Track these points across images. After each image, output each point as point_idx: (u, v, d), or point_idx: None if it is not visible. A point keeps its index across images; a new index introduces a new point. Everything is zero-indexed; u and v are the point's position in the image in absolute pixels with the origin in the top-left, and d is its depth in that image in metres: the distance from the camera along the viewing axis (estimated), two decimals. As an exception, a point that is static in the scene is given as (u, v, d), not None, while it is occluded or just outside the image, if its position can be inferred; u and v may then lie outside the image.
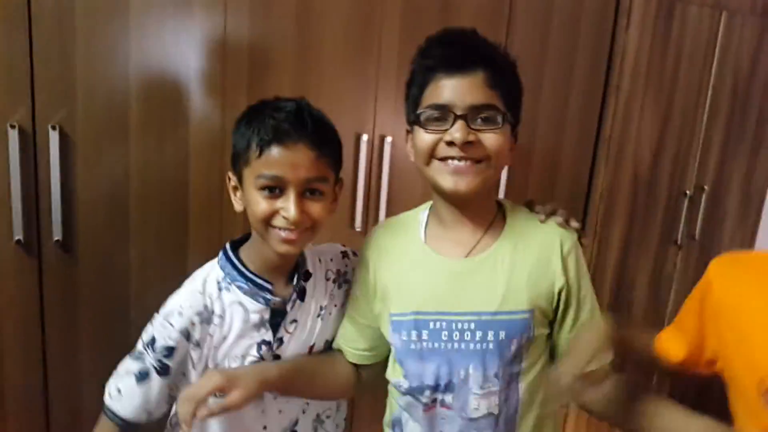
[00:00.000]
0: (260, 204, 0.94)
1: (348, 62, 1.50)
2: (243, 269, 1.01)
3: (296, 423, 1.09)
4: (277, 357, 1.03)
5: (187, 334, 0.97)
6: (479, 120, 0.92)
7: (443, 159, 0.93)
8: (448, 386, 0.99)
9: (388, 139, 1.55)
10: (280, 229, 0.95)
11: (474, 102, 0.91)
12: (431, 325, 0.98)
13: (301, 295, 1.05)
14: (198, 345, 0.99)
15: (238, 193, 1.00)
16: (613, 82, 1.82)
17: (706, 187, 2.12)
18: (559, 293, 0.99)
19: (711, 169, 2.14)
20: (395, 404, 1.08)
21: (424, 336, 0.99)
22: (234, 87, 1.41)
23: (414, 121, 0.96)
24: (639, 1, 1.80)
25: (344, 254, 1.14)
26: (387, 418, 1.12)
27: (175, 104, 1.38)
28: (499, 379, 0.97)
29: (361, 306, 1.08)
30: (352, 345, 1.10)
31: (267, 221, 0.95)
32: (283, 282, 1.04)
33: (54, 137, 1.27)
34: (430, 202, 1.05)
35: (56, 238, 1.30)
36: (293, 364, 1.05)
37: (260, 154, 0.93)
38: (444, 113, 0.92)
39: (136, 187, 1.35)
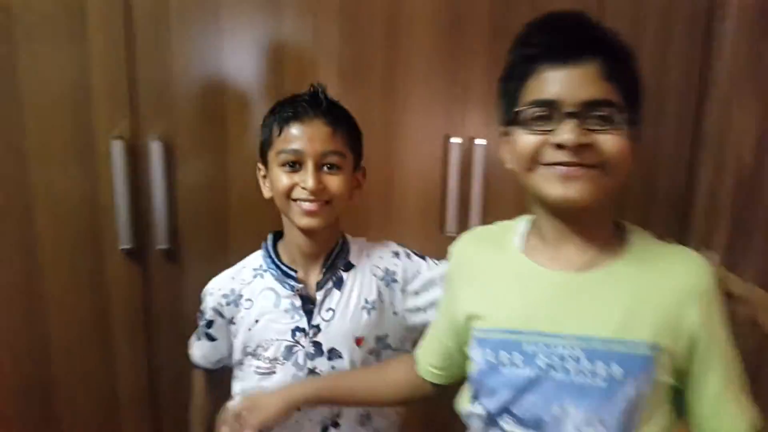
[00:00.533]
0: (282, 179, 1.02)
1: (436, 63, 1.48)
2: (275, 257, 1.10)
3: (339, 415, 1.11)
4: (317, 344, 1.07)
5: (218, 312, 1.11)
6: (594, 119, 0.78)
7: (550, 164, 0.80)
8: (538, 423, 0.83)
9: (479, 141, 1.52)
10: (300, 201, 1.01)
11: (587, 97, 0.78)
12: (525, 346, 0.84)
13: (338, 284, 1.09)
14: (232, 322, 1.11)
15: (267, 181, 1.08)
16: (711, 79, 1.72)
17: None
18: (695, 336, 0.82)
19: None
20: None
21: (516, 359, 0.84)
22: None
23: (512, 120, 0.83)
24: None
25: (396, 254, 1.15)
26: None
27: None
28: (606, 428, 0.80)
29: (440, 321, 1.00)
30: (426, 359, 1.04)
31: (288, 195, 1.02)
32: (316, 270, 1.09)
33: (156, 148, 1.32)
34: (527, 217, 0.92)
35: (160, 247, 1.33)
36: (328, 380, 1.06)
37: (280, 133, 1.02)
38: (550, 111, 0.79)
39: (236, 194, 1.38)
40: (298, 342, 1.06)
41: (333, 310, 1.08)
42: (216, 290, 1.11)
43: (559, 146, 0.78)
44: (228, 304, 1.10)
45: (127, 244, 1.30)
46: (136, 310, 1.36)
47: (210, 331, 1.13)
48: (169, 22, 1.31)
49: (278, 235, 1.13)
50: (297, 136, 1.01)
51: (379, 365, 1.11)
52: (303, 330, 1.06)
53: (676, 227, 1.79)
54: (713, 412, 0.84)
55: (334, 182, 1.02)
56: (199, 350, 1.16)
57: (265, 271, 1.10)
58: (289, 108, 1.03)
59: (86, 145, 1.28)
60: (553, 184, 0.79)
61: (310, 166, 1.01)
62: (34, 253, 1.30)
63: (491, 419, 0.88)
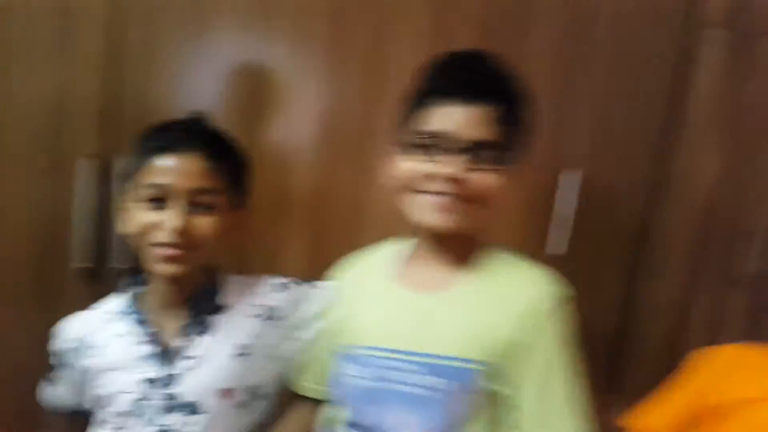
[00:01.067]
0: (141, 217, 0.89)
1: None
2: (133, 301, 1.01)
3: None
4: (170, 397, 0.95)
5: (64, 358, 1.03)
6: (477, 157, 0.85)
7: (427, 193, 0.87)
8: (377, 431, 0.91)
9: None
10: (160, 246, 0.88)
11: (473, 137, 0.85)
12: (374, 361, 0.92)
13: (203, 329, 0.97)
14: (82, 369, 1.02)
15: (126, 215, 0.96)
16: (678, 117, 1.76)
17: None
18: (520, 352, 0.89)
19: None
20: None
21: (364, 373, 0.92)
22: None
23: (400, 145, 0.90)
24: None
25: (277, 286, 1.05)
26: None
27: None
28: None
29: (321, 342, 1.04)
30: (313, 380, 1.04)
31: (147, 236, 0.89)
32: (180, 314, 0.98)
33: (91, 166, 1.32)
34: (395, 240, 1.01)
35: (117, 265, 1.34)
36: None
37: (147, 165, 0.89)
38: (435, 143, 0.86)
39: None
40: (149, 395, 0.95)
41: (195, 359, 0.97)
42: (65, 332, 1.03)
43: (435, 176, 0.85)
44: (75, 351, 1.01)
45: (87, 262, 1.31)
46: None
47: (60, 375, 1.06)
48: (152, 46, 1.30)
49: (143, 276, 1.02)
50: (166, 169, 0.88)
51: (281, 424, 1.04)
52: (153, 381, 0.95)
53: (632, 264, 1.85)
54: (526, 425, 0.90)
55: (205, 224, 0.90)
56: (49, 390, 1.08)
57: (121, 315, 1.00)
58: (161, 136, 0.90)
59: (53, 163, 1.28)
60: (427, 211, 0.87)
61: (176, 204, 0.88)
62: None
63: (350, 424, 0.95)
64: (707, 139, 1.80)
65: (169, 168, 0.87)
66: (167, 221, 0.87)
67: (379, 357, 0.92)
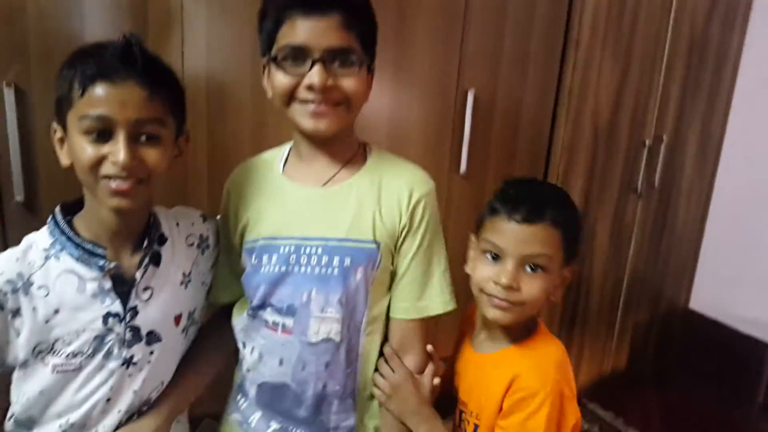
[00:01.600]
0: (86, 150, 0.84)
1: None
2: (71, 234, 0.91)
3: (149, 404, 1.02)
4: (134, 329, 0.94)
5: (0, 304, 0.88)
6: (337, 62, 0.92)
7: (302, 101, 0.93)
8: (290, 309, 0.99)
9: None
10: (109, 178, 0.85)
11: (331, 45, 0.91)
12: (281, 249, 0.99)
13: (155, 260, 0.96)
14: (18, 314, 0.89)
15: (65, 146, 0.90)
16: (573, 36, 1.84)
17: (665, 137, 2.19)
18: (401, 231, 1.00)
19: (669, 120, 2.20)
20: (238, 337, 1.07)
21: (273, 260, 0.99)
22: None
23: (271, 60, 0.94)
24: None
25: (204, 218, 1.08)
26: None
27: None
28: (342, 306, 0.98)
29: (223, 251, 1.09)
30: (227, 287, 1.09)
31: (94, 170, 0.85)
32: (127, 247, 0.95)
33: (9, 94, 1.25)
34: (289, 143, 1.07)
35: (18, 198, 1.29)
36: (182, 387, 1.02)
37: (83, 93, 0.83)
38: (301, 55, 0.91)
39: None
40: (111, 329, 0.92)
41: (151, 289, 0.96)
42: None
43: (309, 87, 0.91)
44: (14, 291, 0.89)
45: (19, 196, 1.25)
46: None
47: None
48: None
49: (70, 207, 0.95)
50: (105, 99, 0.83)
51: (199, 342, 1.07)
52: (117, 315, 0.93)
53: (539, 171, 1.95)
54: (398, 292, 1.03)
55: (152, 156, 0.87)
56: None
57: (60, 250, 0.91)
58: (92, 63, 0.84)
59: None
60: (305, 119, 0.94)
61: (121, 137, 0.84)
62: None
63: (256, 314, 1.02)
64: (596, 55, 1.90)
65: (108, 98, 0.83)
66: (114, 155, 0.83)
67: (282, 245, 1.00)
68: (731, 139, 2.42)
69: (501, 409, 0.97)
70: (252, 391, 1.06)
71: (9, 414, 0.96)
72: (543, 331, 1.04)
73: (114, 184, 0.85)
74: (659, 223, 2.34)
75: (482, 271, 0.97)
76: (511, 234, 0.94)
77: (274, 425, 1.04)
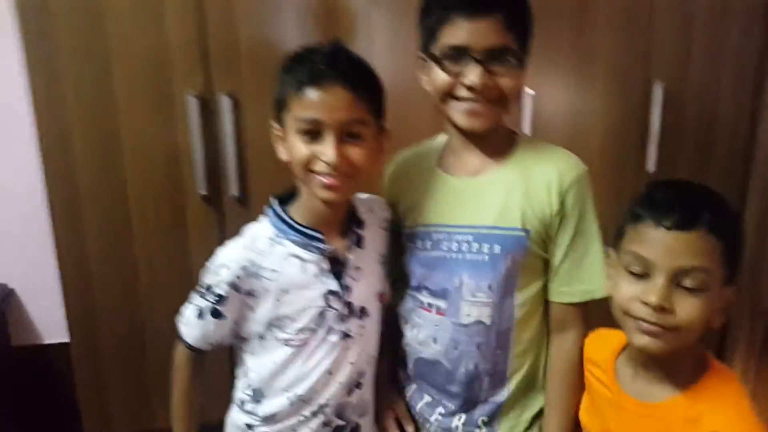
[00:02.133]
0: (300, 149, 0.95)
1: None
2: (292, 222, 1.02)
3: (363, 375, 1.10)
4: (348, 304, 1.04)
5: (235, 287, 1.00)
6: (496, 62, 0.96)
7: (460, 99, 0.98)
8: (444, 292, 1.05)
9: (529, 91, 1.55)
10: (320, 174, 0.95)
11: (491, 46, 0.95)
12: (434, 236, 1.06)
13: (359, 242, 1.06)
14: (251, 294, 1.01)
15: (283, 143, 1.00)
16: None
17: None
18: (553, 218, 1.02)
19: None
20: (398, 314, 1.14)
21: (428, 246, 1.06)
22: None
23: (430, 57, 0.99)
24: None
25: (388, 204, 1.15)
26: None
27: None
28: (492, 291, 1.02)
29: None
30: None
31: (307, 166, 0.95)
32: (336, 232, 1.04)
33: (227, 103, 1.42)
34: (442, 135, 1.12)
35: (233, 194, 1.45)
36: None
37: (298, 97, 0.93)
38: (462, 55, 0.95)
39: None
40: (330, 306, 1.02)
41: (360, 269, 1.06)
42: (232, 262, 1.00)
43: (468, 87, 0.96)
44: (249, 276, 1.00)
45: (203, 190, 1.43)
46: (213, 250, 1.48)
47: (221, 308, 1.01)
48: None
49: (284, 198, 1.06)
50: (315, 103, 0.93)
51: None
52: (335, 293, 1.03)
53: (737, 177, 1.76)
54: (557, 277, 1.05)
55: (357, 154, 0.96)
56: (199, 330, 1.03)
57: (283, 237, 1.02)
58: (304, 69, 0.94)
59: (165, 101, 1.40)
60: (461, 116, 1.00)
61: (330, 137, 0.93)
62: (122, 197, 1.44)
63: (413, 294, 1.10)
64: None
65: (318, 102, 0.93)
66: (324, 154, 0.93)
67: (435, 232, 1.06)
68: None
69: None
70: (410, 365, 1.13)
71: (244, 384, 1.08)
72: (718, 368, 0.87)
73: (325, 179, 0.95)
74: None
75: (626, 290, 0.83)
76: (660, 244, 0.79)
77: (428, 398, 1.12)
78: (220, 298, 1.01)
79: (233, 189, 1.45)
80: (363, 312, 1.06)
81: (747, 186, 1.77)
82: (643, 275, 0.82)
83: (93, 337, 1.52)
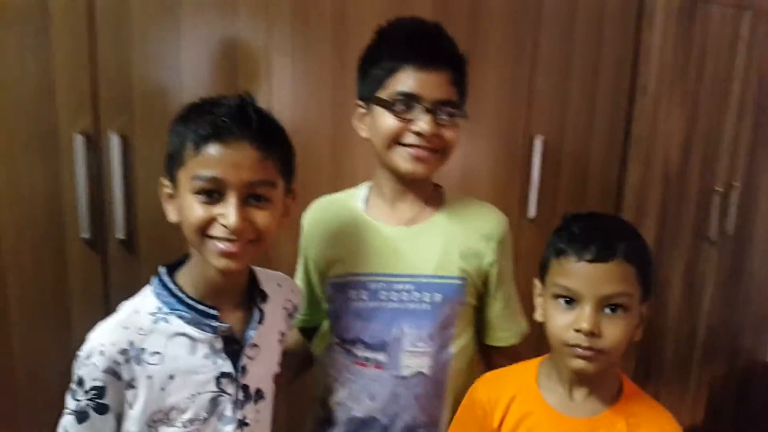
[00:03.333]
0: (195, 210, 0.83)
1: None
2: (182, 295, 0.88)
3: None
4: (244, 387, 0.93)
5: (114, 374, 0.85)
6: (442, 114, 1.00)
7: (406, 145, 1.00)
8: (381, 345, 1.04)
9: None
10: (218, 240, 0.83)
11: (440, 98, 0.99)
12: (371, 285, 1.05)
13: (261, 318, 0.95)
14: (131, 386, 0.86)
15: (173, 201, 0.88)
16: (640, 83, 1.87)
17: (736, 184, 2.15)
18: (489, 267, 1.08)
19: (741, 166, 2.16)
20: (326, 371, 1.11)
21: (363, 295, 1.05)
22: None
23: (379, 103, 1.01)
24: (661, 1, 1.84)
25: (292, 284, 1.09)
26: (317, 392, 1.15)
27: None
28: (432, 341, 1.04)
29: (301, 273, 1.17)
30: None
31: (203, 231, 0.83)
32: (232, 305, 0.93)
33: (115, 142, 1.36)
34: (363, 185, 1.14)
35: (119, 237, 1.39)
36: None
37: (197, 153, 0.82)
38: (412, 102, 0.99)
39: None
40: (224, 391, 0.90)
41: (258, 347, 0.94)
42: (108, 345, 0.84)
43: (417, 133, 0.99)
44: (128, 361, 0.84)
45: (86, 233, 1.36)
46: (96, 296, 1.40)
47: (103, 401, 0.85)
48: (130, 21, 1.36)
49: (173, 266, 0.93)
50: (218, 160, 0.81)
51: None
52: (229, 375, 0.90)
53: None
54: (498, 323, 1.13)
55: (263, 218, 0.85)
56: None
57: (168, 313, 0.88)
58: (206, 121, 0.83)
59: (49, 139, 1.32)
60: (406, 162, 1.01)
61: (232, 199, 0.82)
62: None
63: (346, 349, 1.07)
64: (664, 100, 1.91)
65: (221, 159, 0.82)
66: (224, 217, 0.82)
67: (371, 281, 1.05)
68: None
69: None
70: (339, 426, 1.09)
71: None
72: (626, 378, 0.99)
73: (223, 245, 0.83)
74: (735, 273, 2.27)
75: (558, 320, 0.90)
76: (584, 275, 0.88)
77: None
78: (99, 391, 0.85)
79: (119, 232, 1.38)
80: (258, 395, 0.96)
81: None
82: (571, 303, 0.90)
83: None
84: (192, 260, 0.91)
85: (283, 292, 1.04)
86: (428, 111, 0.98)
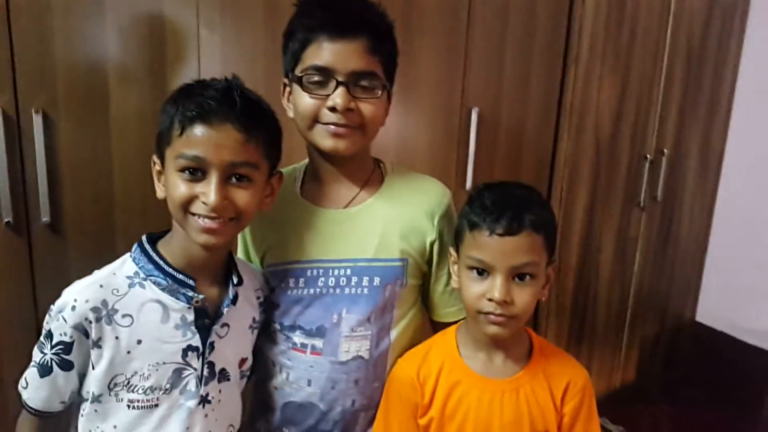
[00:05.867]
0: (179, 187, 0.86)
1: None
2: (161, 262, 0.91)
3: None
4: (210, 365, 0.94)
5: (83, 331, 0.87)
6: (359, 87, 0.95)
7: (324, 123, 0.95)
8: (320, 330, 1.01)
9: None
10: (199, 216, 0.87)
11: (355, 68, 0.93)
12: (308, 272, 1.02)
13: (234, 299, 0.96)
14: (97, 345, 0.87)
15: (162, 178, 0.92)
16: (572, 53, 1.90)
17: (666, 150, 2.23)
18: (431, 246, 1.06)
19: (670, 133, 2.25)
20: (265, 356, 1.08)
21: (300, 283, 1.02)
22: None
23: (295, 80, 0.96)
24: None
25: (267, 282, 1.09)
26: (257, 377, 1.12)
27: (152, 85, 1.42)
28: (371, 324, 1.02)
29: (242, 255, 1.13)
30: None
31: (185, 207, 0.87)
32: (208, 282, 0.95)
33: (38, 121, 1.31)
34: (303, 162, 1.09)
35: (44, 220, 1.34)
36: None
37: (182, 133, 0.85)
38: (325, 77, 0.93)
39: (119, 169, 1.40)
40: (189, 364, 0.91)
41: (228, 326, 0.96)
42: (81, 302, 0.86)
43: (332, 108, 0.94)
44: (98, 320, 0.86)
45: (9, 217, 1.31)
46: (21, 280, 1.36)
47: (68, 357, 0.88)
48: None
49: (154, 238, 0.96)
50: (201, 140, 0.84)
51: None
52: (197, 349, 0.92)
53: (543, 187, 1.99)
54: (442, 300, 1.10)
55: (243, 197, 0.88)
56: (46, 389, 0.90)
57: (145, 279, 0.90)
58: (194, 104, 0.86)
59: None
60: (326, 139, 0.96)
61: (214, 178, 0.85)
62: None
63: (285, 335, 1.04)
64: (596, 70, 1.95)
65: (204, 140, 0.84)
66: (205, 195, 0.85)
67: (309, 268, 1.02)
68: (732, 150, 2.47)
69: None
70: (276, 412, 1.08)
71: None
72: (533, 333, 1.08)
73: (203, 222, 0.87)
74: (663, 236, 2.37)
75: (472, 289, 0.95)
76: (495, 248, 0.93)
77: None
78: (66, 346, 0.87)
79: (44, 215, 1.34)
80: (223, 374, 0.96)
81: (551, 194, 2.01)
82: (482, 274, 0.95)
83: None
84: (174, 233, 0.94)
85: (257, 282, 1.06)
86: (341, 84, 0.93)
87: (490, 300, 0.93)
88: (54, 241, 1.37)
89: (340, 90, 0.93)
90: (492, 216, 0.93)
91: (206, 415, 0.95)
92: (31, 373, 0.91)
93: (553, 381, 1.01)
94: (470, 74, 1.76)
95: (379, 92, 0.97)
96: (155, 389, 0.90)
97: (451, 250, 1.02)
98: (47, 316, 0.90)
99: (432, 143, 1.76)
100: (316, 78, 0.94)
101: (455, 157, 1.80)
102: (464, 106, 1.77)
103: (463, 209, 0.99)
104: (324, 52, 0.93)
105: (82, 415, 0.92)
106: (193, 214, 0.87)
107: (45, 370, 0.89)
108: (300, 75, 0.95)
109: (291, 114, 1.01)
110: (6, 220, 1.31)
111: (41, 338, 0.90)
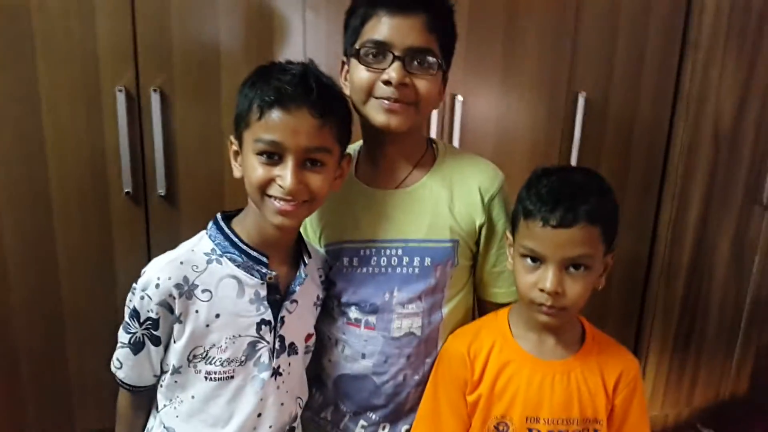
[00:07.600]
0: (257, 170, 0.89)
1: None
2: (236, 240, 0.95)
3: (296, 420, 1.05)
4: (281, 338, 0.97)
5: (168, 307, 0.91)
6: (415, 63, 0.95)
7: (378, 97, 0.96)
8: (373, 307, 1.04)
9: (459, 97, 1.59)
10: (275, 198, 0.89)
11: (412, 44, 0.94)
12: (361, 252, 1.04)
13: (304, 276, 1.00)
14: (179, 320, 0.91)
15: (239, 159, 0.95)
16: (692, 35, 1.77)
17: (793, 145, 2.03)
18: (480, 229, 1.06)
19: (799, 127, 2.04)
20: (320, 330, 1.10)
21: (354, 262, 1.05)
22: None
23: (353, 54, 0.98)
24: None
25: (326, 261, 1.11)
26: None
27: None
28: (422, 302, 1.03)
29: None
30: None
31: (263, 189, 0.90)
32: (280, 259, 0.98)
33: (155, 99, 1.39)
34: (357, 143, 1.09)
35: (160, 192, 1.42)
36: None
37: (260, 117, 0.88)
38: (382, 51, 0.95)
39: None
40: (262, 337, 0.95)
41: (298, 303, 1.00)
42: (164, 279, 0.89)
43: (387, 82, 0.94)
44: (181, 296, 0.90)
45: (129, 188, 1.40)
46: (138, 249, 1.45)
47: (156, 332, 0.92)
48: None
49: (230, 215, 1.00)
50: (279, 125, 0.87)
51: None
52: (269, 323, 0.96)
53: (654, 180, 1.88)
54: (490, 280, 1.11)
55: (317, 181, 0.90)
56: (139, 366, 0.95)
57: (221, 255, 0.94)
58: (272, 89, 0.88)
59: (93, 96, 1.36)
60: (379, 114, 0.97)
61: (290, 162, 0.88)
62: (45, 194, 1.38)
63: (342, 311, 1.07)
64: (718, 55, 1.81)
65: (282, 125, 0.87)
66: (282, 179, 0.88)
67: (362, 248, 1.05)
68: None
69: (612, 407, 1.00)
70: (329, 384, 1.11)
71: (157, 423, 0.99)
72: (586, 321, 1.07)
73: (279, 204, 0.90)
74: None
75: (525, 278, 0.95)
76: (548, 240, 0.91)
77: (349, 414, 1.11)
78: (153, 322, 0.91)
79: (160, 187, 1.42)
80: (292, 348, 1.00)
81: (663, 188, 1.89)
82: (536, 262, 0.94)
83: (10, 339, 1.46)
84: (248, 212, 0.97)
85: (319, 261, 1.09)
86: (397, 58, 0.94)
87: (541, 290, 0.92)
88: (169, 212, 1.45)
89: (396, 64, 0.94)
90: (546, 206, 0.91)
91: (278, 387, 0.98)
92: (123, 353, 0.95)
93: (606, 369, 1.00)
94: (578, 56, 1.68)
95: (434, 70, 0.97)
96: (231, 361, 0.94)
97: (508, 234, 1.02)
98: (130, 294, 0.94)
99: (533, 129, 1.71)
100: (374, 52, 0.96)
101: (558, 145, 1.73)
102: (570, 90, 1.70)
103: (521, 193, 0.98)
104: (383, 27, 0.94)
105: (161, 386, 0.98)
106: (270, 196, 0.90)
107: (137, 347, 0.94)
108: (358, 48, 0.97)
109: (348, 91, 1.02)
110: (126, 191, 1.40)
111: (126, 319, 0.94)
